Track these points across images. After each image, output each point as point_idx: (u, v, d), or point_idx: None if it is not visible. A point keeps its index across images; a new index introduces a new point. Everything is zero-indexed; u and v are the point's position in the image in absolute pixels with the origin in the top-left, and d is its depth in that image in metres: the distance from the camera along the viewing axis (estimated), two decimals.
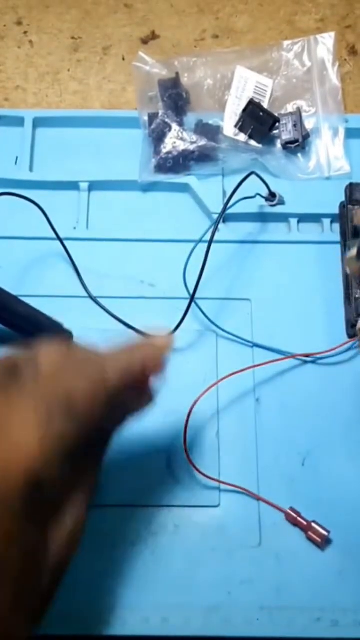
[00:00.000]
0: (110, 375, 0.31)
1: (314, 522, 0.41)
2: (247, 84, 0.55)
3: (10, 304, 0.43)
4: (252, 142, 0.53)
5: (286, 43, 0.56)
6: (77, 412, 0.29)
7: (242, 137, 0.53)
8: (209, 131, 0.52)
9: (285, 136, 0.52)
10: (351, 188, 0.48)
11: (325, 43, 0.56)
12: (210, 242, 0.40)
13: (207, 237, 0.44)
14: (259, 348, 0.46)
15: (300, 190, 0.52)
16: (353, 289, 0.46)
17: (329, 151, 0.53)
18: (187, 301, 0.46)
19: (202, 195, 0.51)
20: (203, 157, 0.52)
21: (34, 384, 0.29)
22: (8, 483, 0.26)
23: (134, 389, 0.33)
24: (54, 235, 0.47)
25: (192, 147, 0.52)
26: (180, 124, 0.53)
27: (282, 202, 0.51)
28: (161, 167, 0.52)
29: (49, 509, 0.29)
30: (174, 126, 0.52)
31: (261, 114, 0.52)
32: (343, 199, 0.49)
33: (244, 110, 0.52)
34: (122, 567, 0.41)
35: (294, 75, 0.55)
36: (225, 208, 0.45)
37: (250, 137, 0.53)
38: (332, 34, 0.56)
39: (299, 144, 0.52)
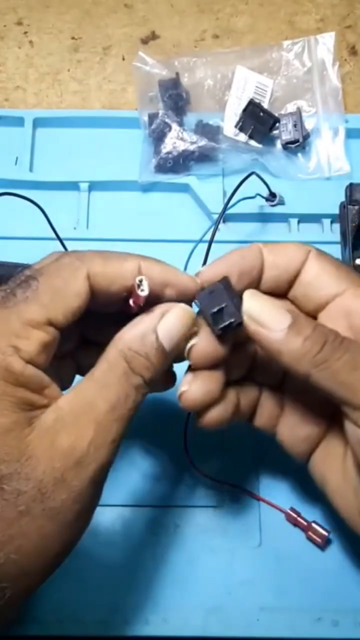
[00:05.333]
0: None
1: (314, 522, 0.41)
2: (247, 84, 0.55)
3: None
4: (252, 142, 0.53)
5: (286, 43, 0.56)
6: None
7: (242, 137, 0.53)
8: (209, 131, 0.52)
9: (286, 136, 0.52)
10: (351, 188, 0.48)
11: (326, 43, 0.56)
12: (211, 242, 0.40)
13: (207, 237, 0.44)
14: None
15: (300, 191, 0.52)
16: None
17: (329, 151, 0.53)
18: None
19: (202, 195, 0.51)
20: (203, 157, 0.52)
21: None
22: None
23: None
24: (54, 235, 0.47)
25: (192, 147, 0.52)
26: (181, 124, 0.52)
27: (282, 202, 0.51)
28: (161, 167, 0.52)
29: None
30: (174, 126, 0.52)
31: (261, 114, 0.52)
32: (343, 199, 0.49)
33: (244, 110, 0.52)
34: (122, 567, 0.41)
35: (294, 75, 0.55)
36: (225, 208, 0.45)
37: (251, 137, 0.53)
38: (332, 34, 0.56)
39: (299, 144, 0.52)
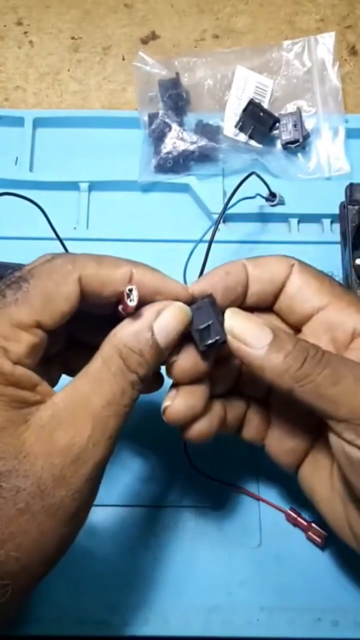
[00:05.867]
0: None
1: (314, 522, 0.41)
2: (247, 84, 0.55)
3: None
4: (252, 142, 0.53)
5: (286, 43, 0.56)
6: None
7: (242, 137, 0.53)
8: (209, 131, 0.52)
9: (286, 136, 0.52)
10: (351, 188, 0.48)
11: (325, 43, 0.56)
12: (211, 242, 0.40)
13: (207, 237, 0.44)
14: None
15: (300, 191, 0.51)
16: (353, 290, 0.46)
17: (329, 151, 0.53)
18: None
19: (202, 195, 0.51)
20: (203, 157, 0.52)
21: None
22: None
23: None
24: (54, 235, 0.47)
25: (192, 147, 0.52)
26: (181, 124, 0.52)
27: (282, 202, 0.51)
28: (161, 167, 0.52)
29: None
30: (174, 126, 0.52)
31: (261, 114, 0.52)
32: (343, 199, 0.49)
33: (244, 110, 0.52)
34: (122, 567, 0.41)
35: (294, 75, 0.55)
36: (225, 208, 0.45)
37: (251, 137, 0.53)
38: (332, 34, 0.56)
39: (299, 144, 0.52)
